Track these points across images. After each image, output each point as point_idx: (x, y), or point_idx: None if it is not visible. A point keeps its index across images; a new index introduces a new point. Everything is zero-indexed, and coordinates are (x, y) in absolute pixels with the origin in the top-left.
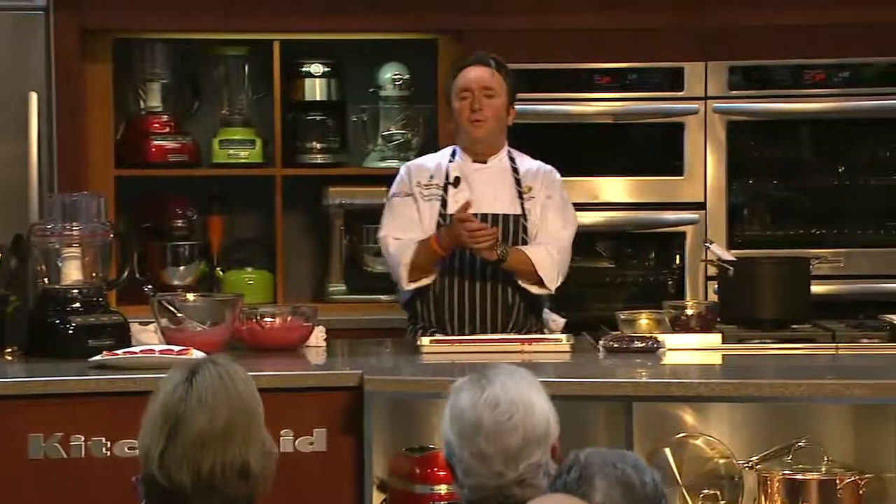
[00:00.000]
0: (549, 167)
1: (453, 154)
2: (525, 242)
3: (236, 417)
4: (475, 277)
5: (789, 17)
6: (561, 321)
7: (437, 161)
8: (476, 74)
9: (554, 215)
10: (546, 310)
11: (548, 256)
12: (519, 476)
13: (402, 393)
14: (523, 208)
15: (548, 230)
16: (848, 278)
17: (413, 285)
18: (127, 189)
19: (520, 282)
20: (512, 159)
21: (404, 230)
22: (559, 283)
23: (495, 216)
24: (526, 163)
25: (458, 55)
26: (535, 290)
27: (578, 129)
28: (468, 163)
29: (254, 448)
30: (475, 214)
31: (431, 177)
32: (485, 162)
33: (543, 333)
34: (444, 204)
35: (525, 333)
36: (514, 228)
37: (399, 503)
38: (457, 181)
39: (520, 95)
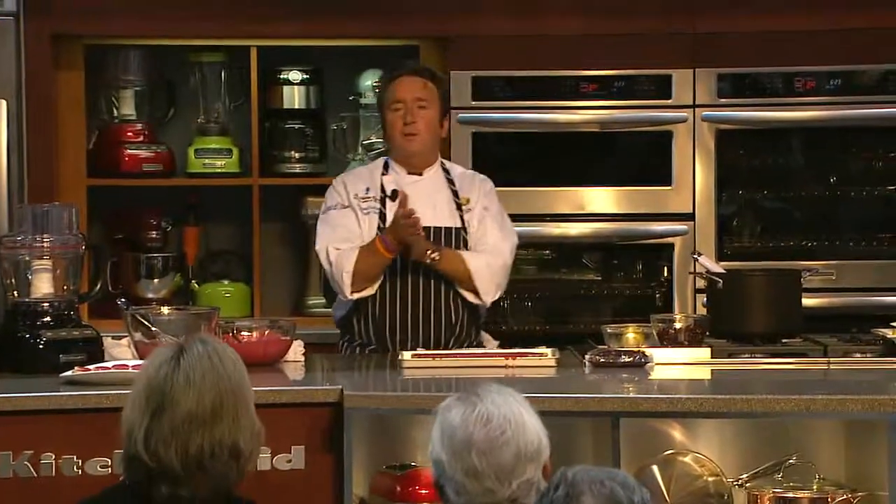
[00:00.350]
0: (482, 176)
1: (386, 166)
2: None
3: (225, 398)
4: (417, 292)
5: (780, 23)
6: (494, 343)
7: (370, 174)
8: (408, 85)
9: (492, 226)
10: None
11: (486, 267)
12: (511, 494)
13: (382, 409)
14: (463, 220)
15: (487, 241)
16: (840, 291)
17: (357, 295)
18: (100, 199)
19: (457, 287)
20: (446, 170)
21: (344, 241)
22: (496, 297)
23: (437, 229)
24: (459, 172)
25: (442, 61)
26: (470, 297)
27: (564, 137)
28: (403, 175)
29: (244, 428)
30: None
31: (368, 189)
32: (420, 174)
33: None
34: (382, 218)
35: (466, 348)
36: (455, 241)
37: None
38: (394, 194)
39: (504, 103)
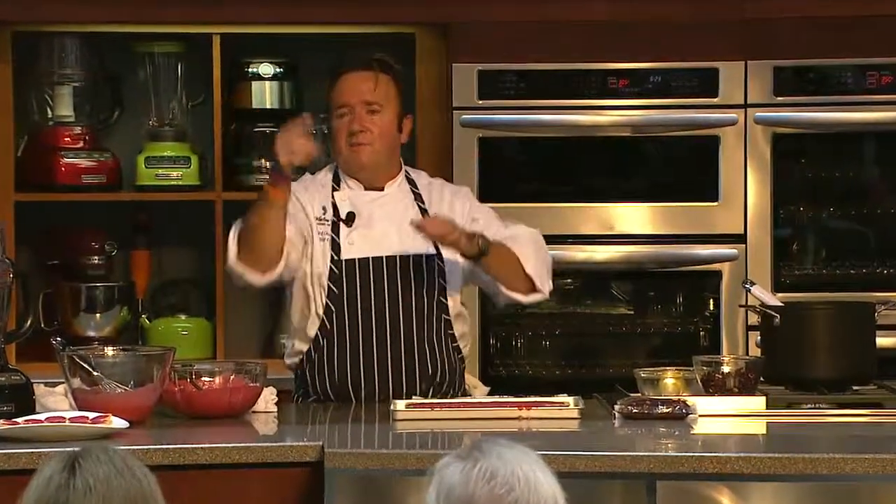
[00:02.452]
0: (453, 186)
1: (336, 180)
2: (443, 288)
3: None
4: (385, 335)
5: (849, 6)
6: (484, 388)
7: (323, 188)
8: (355, 85)
9: (496, 222)
10: (467, 374)
11: (532, 244)
12: None
13: (370, 469)
14: (436, 245)
15: (505, 231)
16: None
17: (242, 267)
18: (30, 217)
19: (503, 288)
20: (411, 181)
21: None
22: (550, 287)
23: (405, 258)
24: (425, 183)
25: (442, 52)
26: (524, 298)
27: (588, 143)
28: (359, 192)
29: None
30: (379, 258)
31: (324, 209)
32: (381, 189)
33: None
34: (336, 248)
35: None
36: (428, 272)
37: None
38: (350, 217)
39: (516, 102)
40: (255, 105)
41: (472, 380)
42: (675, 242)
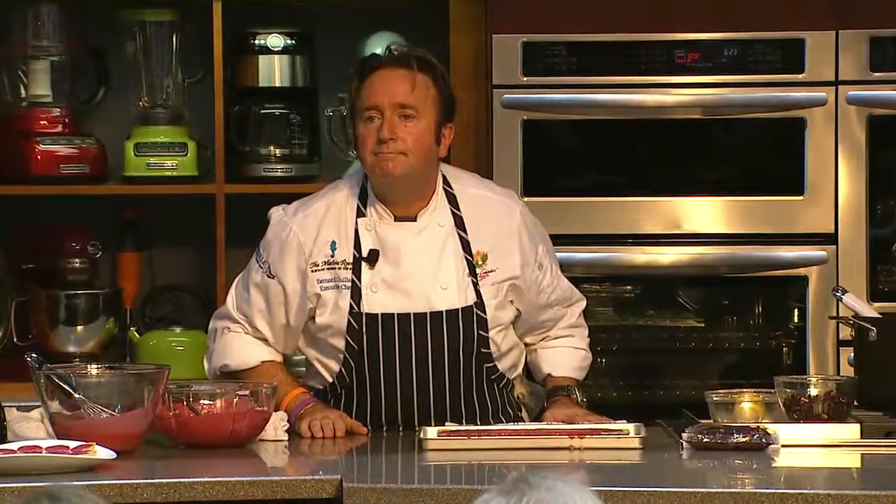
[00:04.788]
0: (507, 200)
1: (364, 199)
2: (484, 340)
3: None
4: (426, 366)
5: None
6: (539, 391)
7: (339, 213)
8: (388, 85)
9: (554, 268)
10: (517, 382)
11: (584, 329)
12: None
13: None
14: (477, 290)
15: (560, 290)
16: None
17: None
18: (1, 214)
19: None
20: (451, 197)
21: (246, 321)
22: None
23: (437, 315)
24: (468, 200)
25: (480, 22)
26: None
27: (651, 127)
28: (388, 221)
29: None
30: (406, 315)
31: (334, 245)
32: (414, 218)
33: None
34: (356, 294)
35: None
36: (465, 326)
37: None
38: (373, 256)
39: (567, 79)
40: (262, 83)
41: (523, 387)
42: (753, 243)
